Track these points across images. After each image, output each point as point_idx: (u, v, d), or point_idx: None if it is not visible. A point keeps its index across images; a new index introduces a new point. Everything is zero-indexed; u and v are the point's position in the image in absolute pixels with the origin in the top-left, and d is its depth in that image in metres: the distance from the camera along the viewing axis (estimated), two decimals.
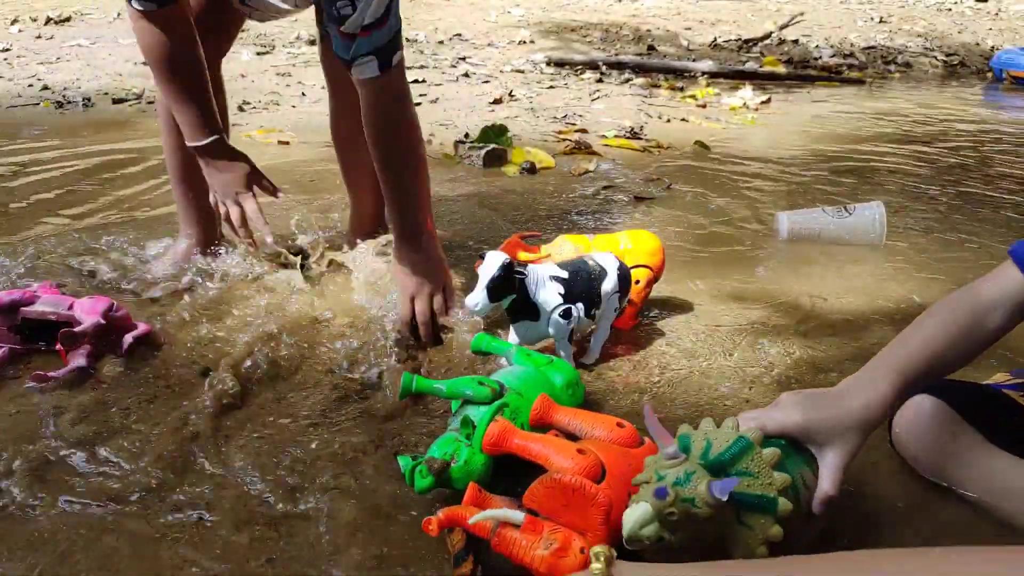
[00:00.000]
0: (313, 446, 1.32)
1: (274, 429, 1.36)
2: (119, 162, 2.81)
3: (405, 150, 1.59)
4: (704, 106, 4.06)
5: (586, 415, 1.19)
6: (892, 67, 5.47)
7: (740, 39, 5.78)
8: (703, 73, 4.74)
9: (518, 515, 0.99)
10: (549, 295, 1.43)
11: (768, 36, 5.89)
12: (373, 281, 1.72)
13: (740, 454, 0.96)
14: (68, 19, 5.47)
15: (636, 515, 0.95)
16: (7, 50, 4.78)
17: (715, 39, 5.78)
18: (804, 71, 5.07)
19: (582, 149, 3.09)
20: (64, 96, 3.88)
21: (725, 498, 0.91)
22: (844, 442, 1.04)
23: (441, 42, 5.43)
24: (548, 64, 4.91)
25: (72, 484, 1.21)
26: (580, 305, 1.44)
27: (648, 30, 6.01)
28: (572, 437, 1.17)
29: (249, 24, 6.15)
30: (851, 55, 5.60)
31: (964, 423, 1.21)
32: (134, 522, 1.15)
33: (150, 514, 1.17)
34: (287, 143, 3.09)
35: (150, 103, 3.71)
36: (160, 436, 1.33)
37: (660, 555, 0.97)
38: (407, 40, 5.41)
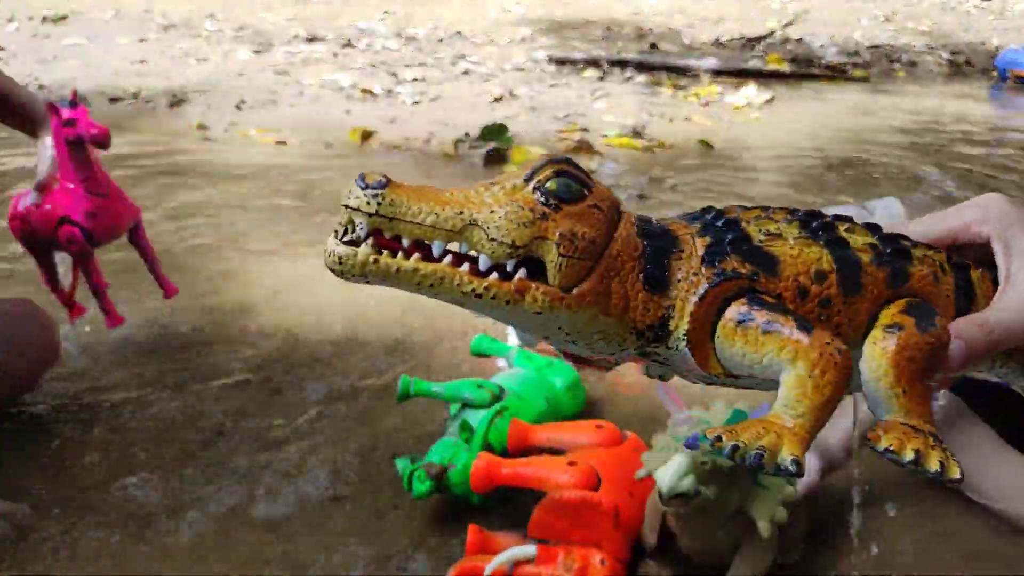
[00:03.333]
0: (310, 449, 1.29)
1: (271, 430, 1.34)
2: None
3: None
4: (707, 104, 4.02)
5: (564, 426, 1.17)
6: (897, 65, 5.43)
7: (743, 37, 5.74)
8: (706, 71, 4.70)
9: (530, 549, 0.97)
10: None
11: (772, 34, 5.85)
12: None
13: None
14: (64, 17, 5.44)
15: (673, 467, 0.94)
16: (3, 49, 4.75)
17: (718, 37, 5.74)
18: (808, 69, 5.03)
19: (583, 148, 3.05)
20: (61, 96, 3.84)
21: None
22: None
23: (440, 40, 5.39)
24: (549, 62, 4.87)
25: (64, 492, 1.18)
26: None
27: (650, 28, 5.97)
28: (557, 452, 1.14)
29: (247, 21, 6.01)
30: (856, 53, 5.56)
31: (976, 417, 1.18)
32: (129, 521, 1.12)
33: (147, 517, 1.14)
34: (284, 143, 3.05)
35: (147, 102, 3.68)
36: (158, 438, 1.30)
37: (692, 520, 0.97)
38: (407, 39, 5.38)
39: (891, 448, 0.44)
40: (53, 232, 1.40)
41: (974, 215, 0.53)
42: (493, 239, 0.43)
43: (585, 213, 0.45)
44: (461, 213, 0.43)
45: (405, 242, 0.43)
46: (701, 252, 0.46)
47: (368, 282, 0.43)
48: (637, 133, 3.34)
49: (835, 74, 4.98)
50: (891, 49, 5.76)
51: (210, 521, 1.15)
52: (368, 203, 0.42)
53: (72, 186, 1.38)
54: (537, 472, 1.05)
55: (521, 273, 0.44)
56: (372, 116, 3.47)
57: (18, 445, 1.28)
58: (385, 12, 6.20)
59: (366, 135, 3.10)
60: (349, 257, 0.43)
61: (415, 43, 5.27)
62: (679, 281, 0.46)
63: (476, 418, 1.17)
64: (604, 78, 4.56)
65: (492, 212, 0.43)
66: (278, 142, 3.05)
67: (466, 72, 4.53)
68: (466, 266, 0.44)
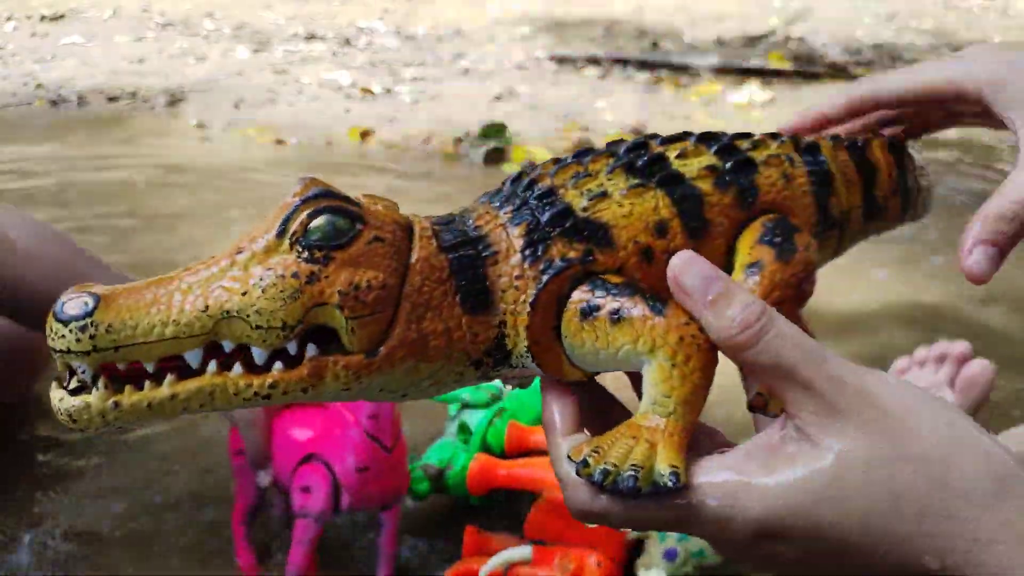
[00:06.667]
0: None
1: None
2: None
3: None
4: (709, 103, 4.01)
5: None
6: (900, 64, 5.42)
7: (745, 35, 5.73)
8: (708, 69, 4.69)
9: (526, 550, 0.97)
10: None
11: (773, 32, 5.84)
12: None
13: None
14: (63, 16, 5.43)
15: None
16: (1, 48, 4.75)
17: (719, 35, 5.73)
18: (810, 68, 5.02)
19: (584, 147, 3.04)
20: (59, 95, 3.84)
21: None
22: None
23: (440, 38, 5.38)
24: (550, 60, 4.86)
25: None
26: None
27: (651, 26, 5.96)
28: None
29: (245, 20, 6.02)
30: (858, 52, 5.55)
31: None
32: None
33: (148, 516, 1.13)
34: (283, 142, 3.04)
35: (145, 101, 3.67)
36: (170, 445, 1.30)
37: None
38: (407, 37, 5.37)
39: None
40: (292, 470, 0.94)
41: (958, 69, 0.43)
42: (259, 327, 0.34)
43: (365, 253, 0.37)
44: (206, 309, 0.34)
45: (149, 367, 0.34)
46: (519, 245, 0.39)
47: (121, 428, 0.34)
48: (638, 131, 3.32)
49: (837, 72, 4.97)
50: (894, 48, 5.75)
51: (209, 522, 1.15)
52: (79, 340, 0.32)
53: (351, 417, 0.92)
54: (534, 473, 1.05)
55: (311, 350, 0.35)
56: (371, 115, 3.45)
57: None
58: (385, 10, 6.19)
59: (365, 134, 3.08)
60: (82, 411, 0.33)
61: (415, 41, 5.25)
62: (503, 291, 0.39)
63: (474, 419, 1.16)
64: (605, 76, 4.55)
65: (245, 294, 0.34)
66: (277, 141, 3.04)
67: (466, 71, 4.52)
68: (238, 367, 0.35)
